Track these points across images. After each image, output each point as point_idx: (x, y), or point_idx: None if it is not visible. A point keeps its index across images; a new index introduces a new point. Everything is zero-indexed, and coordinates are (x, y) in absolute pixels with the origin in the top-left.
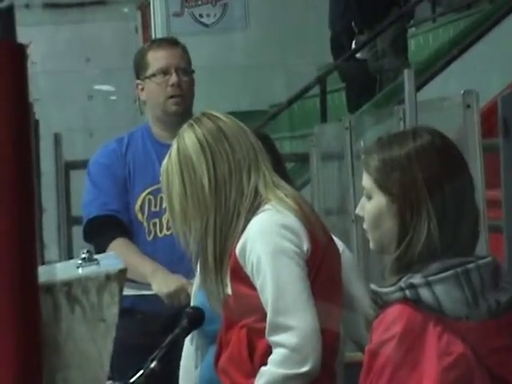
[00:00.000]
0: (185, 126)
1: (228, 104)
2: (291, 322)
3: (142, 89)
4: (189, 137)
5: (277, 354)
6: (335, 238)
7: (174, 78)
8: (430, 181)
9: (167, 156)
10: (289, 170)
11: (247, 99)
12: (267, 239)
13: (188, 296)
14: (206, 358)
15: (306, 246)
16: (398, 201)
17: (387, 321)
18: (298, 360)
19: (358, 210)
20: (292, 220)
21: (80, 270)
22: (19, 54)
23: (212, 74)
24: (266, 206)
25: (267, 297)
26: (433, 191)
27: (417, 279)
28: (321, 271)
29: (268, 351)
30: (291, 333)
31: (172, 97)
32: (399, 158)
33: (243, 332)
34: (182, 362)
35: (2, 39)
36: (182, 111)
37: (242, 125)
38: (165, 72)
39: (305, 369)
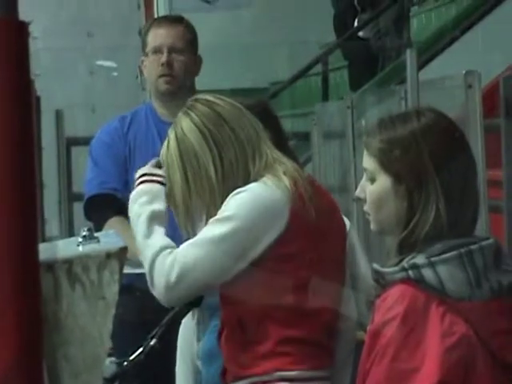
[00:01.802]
0: (179, 114)
1: (229, 81)
2: (191, 252)
3: (145, 66)
4: (187, 126)
5: (171, 255)
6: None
7: (164, 58)
8: (436, 159)
9: (165, 147)
10: None
11: (249, 77)
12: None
13: None
14: (208, 332)
15: (282, 220)
16: (405, 181)
17: (390, 301)
18: (168, 277)
19: (357, 193)
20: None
21: (80, 248)
22: (21, 31)
23: (214, 51)
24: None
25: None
26: (440, 170)
27: (420, 259)
28: (310, 249)
29: (259, 323)
30: (184, 259)
31: (162, 76)
32: (404, 138)
33: (235, 310)
34: (181, 334)
35: (4, 16)
36: (173, 90)
37: (237, 103)
38: (157, 51)
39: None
